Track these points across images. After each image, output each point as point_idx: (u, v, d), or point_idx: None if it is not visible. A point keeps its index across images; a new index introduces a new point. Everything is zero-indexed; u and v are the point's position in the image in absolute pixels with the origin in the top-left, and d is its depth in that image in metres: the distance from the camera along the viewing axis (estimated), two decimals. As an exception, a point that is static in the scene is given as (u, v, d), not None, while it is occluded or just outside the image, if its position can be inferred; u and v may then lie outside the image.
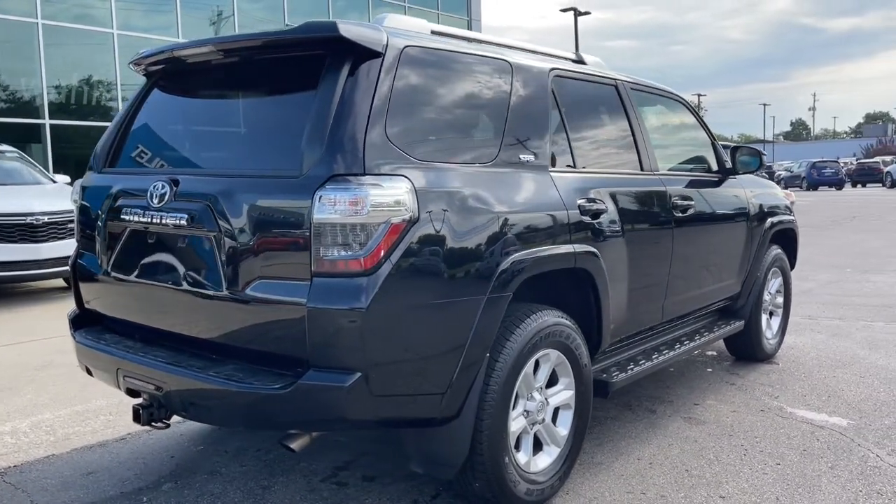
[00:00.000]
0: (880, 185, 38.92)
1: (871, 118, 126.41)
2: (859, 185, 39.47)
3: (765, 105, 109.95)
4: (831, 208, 22.95)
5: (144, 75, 3.48)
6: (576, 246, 3.22)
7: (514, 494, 2.99)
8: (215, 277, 2.72)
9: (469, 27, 27.80)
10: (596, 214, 3.40)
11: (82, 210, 3.40)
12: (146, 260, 3.01)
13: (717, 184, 4.76)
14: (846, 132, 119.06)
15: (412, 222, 2.56)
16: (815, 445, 3.85)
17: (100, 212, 3.21)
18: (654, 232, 3.96)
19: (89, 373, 3.32)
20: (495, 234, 2.85)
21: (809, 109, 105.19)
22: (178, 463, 3.73)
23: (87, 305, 3.44)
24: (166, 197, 2.84)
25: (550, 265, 3.09)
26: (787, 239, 5.60)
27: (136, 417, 2.93)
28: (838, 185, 36.44)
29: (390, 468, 3.57)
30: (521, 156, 3.17)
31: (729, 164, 4.89)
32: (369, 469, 3.58)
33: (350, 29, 2.64)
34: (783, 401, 4.60)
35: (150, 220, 2.90)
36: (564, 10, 35.42)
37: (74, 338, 3.33)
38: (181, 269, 2.87)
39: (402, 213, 2.53)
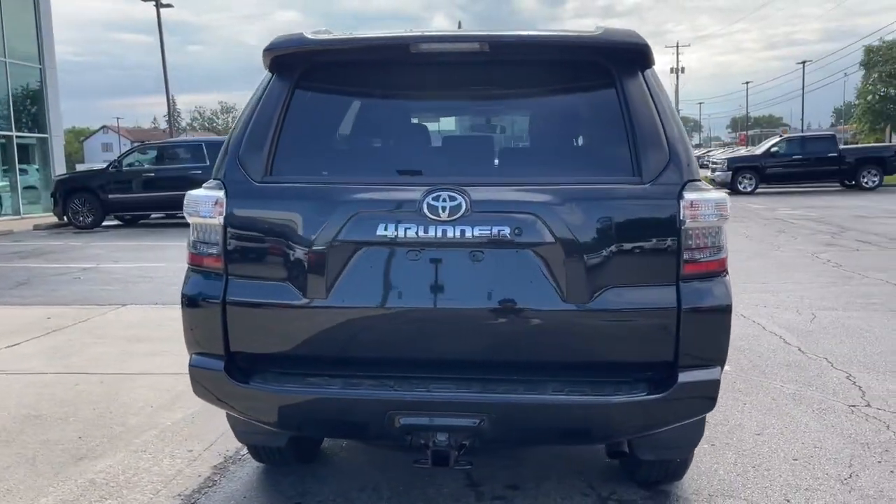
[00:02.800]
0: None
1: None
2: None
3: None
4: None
5: (289, 65, 2.88)
6: None
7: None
8: (545, 291, 2.59)
9: (36, 16, 23.87)
10: None
11: (244, 229, 2.74)
12: (411, 281, 2.64)
13: None
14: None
15: None
16: (746, 387, 5.01)
17: (296, 229, 2.67)
18: None
19: (305, 429, 2.71)
20: None
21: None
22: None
23: (241, 348, 2.77)
24: (462, 209, 2.57)
25: None
26: None
27: (441, 461, 2.59)
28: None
29: (510, 471, 3.63)
30: None
31: None
32: (502, 478, 3.58)
33: (644, 38, 2.76)
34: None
35: (437, 234, 2.57)
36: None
37: (259, 389, 2.68)
38: (483, 287, 2.62)
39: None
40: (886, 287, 8.50)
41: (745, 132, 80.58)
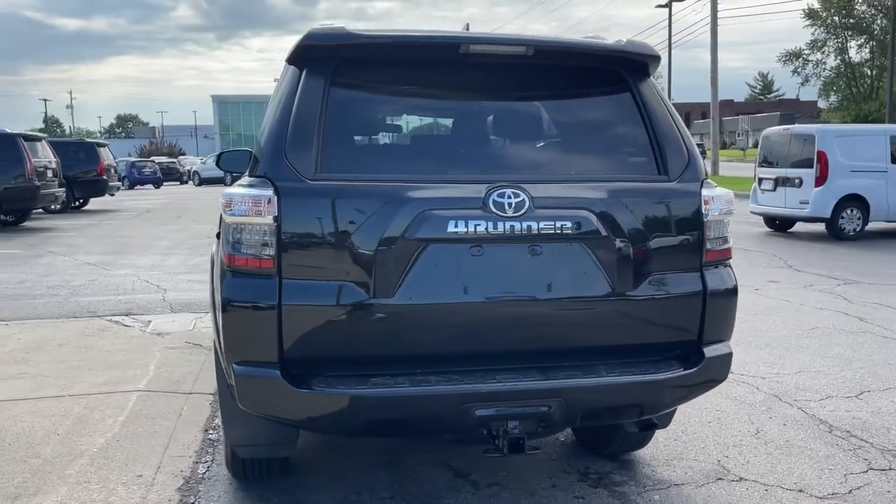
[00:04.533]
0: (178, 183, 42.98)
1: (123, 119, 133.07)
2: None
3: (45, 100, 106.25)
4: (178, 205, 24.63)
5: (325, 58, 2.80)
6: None
7: None
8: (597, 281, 2.79)
9: None
10: None
11: (300, 229, 2.62)
12: (475, 276, 2.71)
13: None
14: (100, 132, 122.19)
15: None
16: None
17: (358, 228, 2.62)
18: None
19: (376, 431, 2.62)
20: None
21: (67, 107, 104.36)
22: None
23: (296, 353, 2.64)
24: (525, 206, 2.69)
25: None
26: None
27: (517, 448, 2.67)
28: (156, 183, 38.52)
29: (490, 459, 3.78)
30: None
31: None
32: (485, 466, 3.70)
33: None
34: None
35: (505, 230, 2.67)
36: None
37: (327, 394, 2.57)
38: (542, 279, 2.76)
39: None
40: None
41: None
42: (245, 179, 2.73)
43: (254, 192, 2.62)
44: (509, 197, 2.69)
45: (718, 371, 3.04)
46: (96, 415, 4.39)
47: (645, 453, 3.94)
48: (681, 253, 2.96)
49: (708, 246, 2.98)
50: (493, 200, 2.68)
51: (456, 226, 2.65)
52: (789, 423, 4.39)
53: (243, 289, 2.64)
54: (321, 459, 3.78)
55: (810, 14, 67.06)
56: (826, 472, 3.74)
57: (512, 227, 2.69)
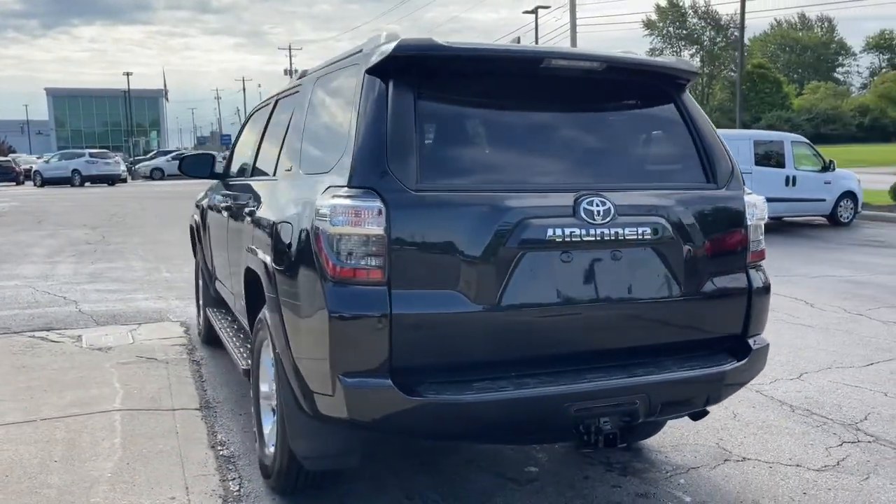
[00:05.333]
0: (14, 183, 39.58)
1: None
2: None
3: None
4: None
5: (411, 68, 2.83)
6: None
7: None
8: (668, 283, 3.00)
9: None
10: None
11: (408, 239, 2.65)
12: (567, 280, 2.84)
13: None
14: None
15: None
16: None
17: (463, 237, 2.68)
18: None
19: (484, 436, 2.66)
20: None
21: None
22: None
23: (403, 362, 2.66)
24: (612, 213, 2.85)
25: None
26: None
27: (611, 442, 2.81)
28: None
29: (520, 455, 3.92)
30: None
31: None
32: (518, 461, 3.84)
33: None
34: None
35: (596, 236, 2.82)
36: None
37: (439, 400, 2.61)
38: (624, 282, 2.93)
39: None
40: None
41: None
42: (340, 190, 2.69)
43: (361, 203, 2.61)
44: (597, 205, 2.85)
45: (761, 361, 3.34)
46: (86, 438, 4.10)
47: (651, 442, 4.21)
48: (731, 255, 3.23)
49: (751, 248, 3.28)
50: (584, 208, 2.83)
51: (553, 233, 2.78)
52: (757, 406, 4.83)
53: (353, 300, 2.61)
54: (358, 467, 3.76)
55: (649, 24, 72.12)
56: (809, 447, 4.17)
57: (602, 233, 2.85)
